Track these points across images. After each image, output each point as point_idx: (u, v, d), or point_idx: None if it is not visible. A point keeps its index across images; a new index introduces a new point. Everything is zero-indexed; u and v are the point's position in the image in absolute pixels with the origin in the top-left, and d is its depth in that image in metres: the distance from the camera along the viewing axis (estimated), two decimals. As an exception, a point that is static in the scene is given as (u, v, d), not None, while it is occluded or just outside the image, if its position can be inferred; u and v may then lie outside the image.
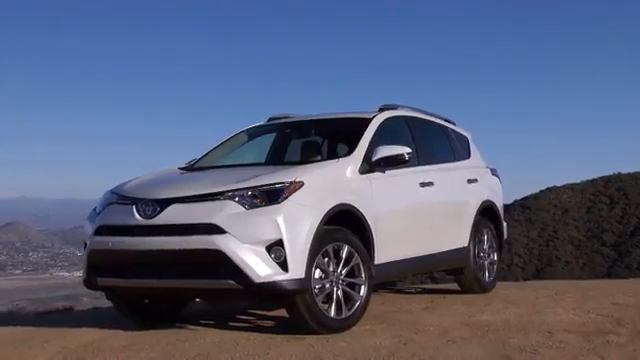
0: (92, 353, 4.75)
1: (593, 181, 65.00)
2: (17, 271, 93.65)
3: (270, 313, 6.22)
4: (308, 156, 6.36)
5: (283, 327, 5.38)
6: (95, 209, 5.53)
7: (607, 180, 64.26)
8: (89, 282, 5.39)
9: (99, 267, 5.28)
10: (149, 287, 5.18)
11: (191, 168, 6.30)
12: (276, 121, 6.92)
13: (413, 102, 6.63)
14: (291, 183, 5.00)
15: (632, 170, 62.52)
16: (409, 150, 5.84)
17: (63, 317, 7.06)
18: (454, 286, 7.57)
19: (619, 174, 64.29)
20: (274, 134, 6.92)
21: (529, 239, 57.69)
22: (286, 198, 4.92)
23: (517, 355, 4.31)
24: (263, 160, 6.68)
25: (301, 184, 5.03)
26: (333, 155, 6.56)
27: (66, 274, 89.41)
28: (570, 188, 64.86)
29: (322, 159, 6.19)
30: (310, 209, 4.99)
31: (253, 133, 6.87)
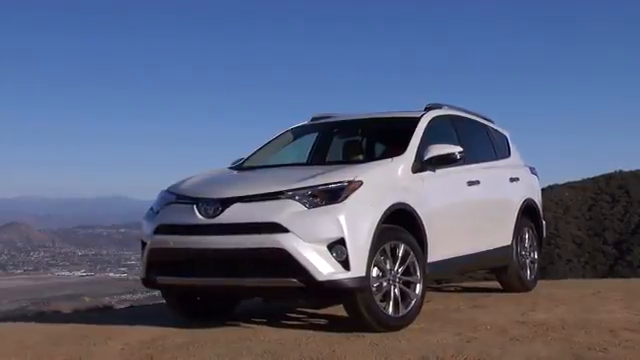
0: (157, 350, 4.78)
1: (594, 179, 64.85)
2: (18, 271, 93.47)
3: (320, 311, 6.26)
4: (355, 155, 6.43)
5: (337, 325, 5.41)
6: (152, 209, 5.57)
7: (608, 178, 64.12)
8: (148, 281, 5.43)
9: (159, 266, 5.32)
10: (211, 285, 5.21)
11: (242, 167, 6.34)
12: (321, 120, 6.94)
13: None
14: (350, 182, 5.04)
15: (634, 168, 62.34)
16: (460, 149, 5.90)
17: (105, 316, 7.07)
18: (492, 284, 7.63)
19: (620, 172, 64.11)
20: (320, 133, 6.95)
21: (531, 237, 57.60)
22: (347, 197, 4.96)
23: (587, 354, 4.31)
24: (313, 159, 6.72)
25: (360, 183, 5.06)
26: (372, 155, 6.63)
27: (67, 273, 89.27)
28: (571, 186, 64.74)
29: (364, 159, 6.24)
30: (370, 208, 5.03)
31: (298, 132, 6.91)
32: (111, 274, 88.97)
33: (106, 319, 6.42)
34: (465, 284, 8.37)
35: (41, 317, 7.16)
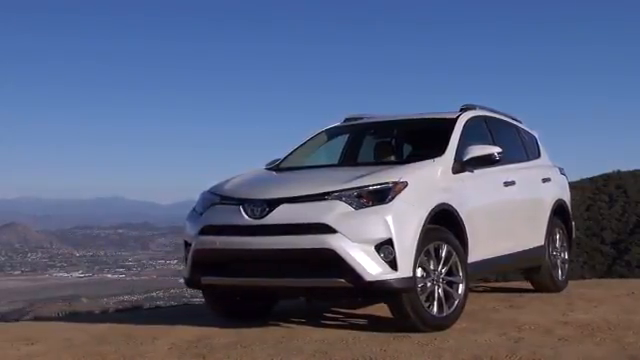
0: (206, 349, 4.79)
1: (592, 179, 64.89)
2: (16, 272, 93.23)
3: (357, 311, 6.27)
4: (387, 156, 6.44)
5: (378, 324, 5.44)
6: (195, 210, 5.57)
7: (606, 178, 64.17)
8: (192, 281, 5.43)
9: (204, 266, 5.32)
10: (258, 285, 5.22)
11: (281, 168, 6.35)
12: (356, 122, 6.93)
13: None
14: (396, 183, 5.07)
15: (632, 168, 62.43)
16: (499, 150, 5.92)
17: (136, 316, 7.05)
18: (520, 284, 7.65)
19: (619, 172, 64.16)
20: (353, 134, 6.95)
21: (531, 237, 57.57)
22: (393, 198, 4.99)
23: (643, 355, 4.33)
24: (345, 160, 6.73)
25: (405, 184, 5.09)
26: (405, 156, 6.65)
27: (65, 275, 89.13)
28: (570, 186, 64.68)
29: (396, 160, 6.26)
30: (416, 209, 5.06)
31: (333, 133, 6.92)
32: (109, 275, 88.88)
33: (140, 319, 6.40)
34: (492, 284, 8.39)
35: (75, 317, 7.15)
